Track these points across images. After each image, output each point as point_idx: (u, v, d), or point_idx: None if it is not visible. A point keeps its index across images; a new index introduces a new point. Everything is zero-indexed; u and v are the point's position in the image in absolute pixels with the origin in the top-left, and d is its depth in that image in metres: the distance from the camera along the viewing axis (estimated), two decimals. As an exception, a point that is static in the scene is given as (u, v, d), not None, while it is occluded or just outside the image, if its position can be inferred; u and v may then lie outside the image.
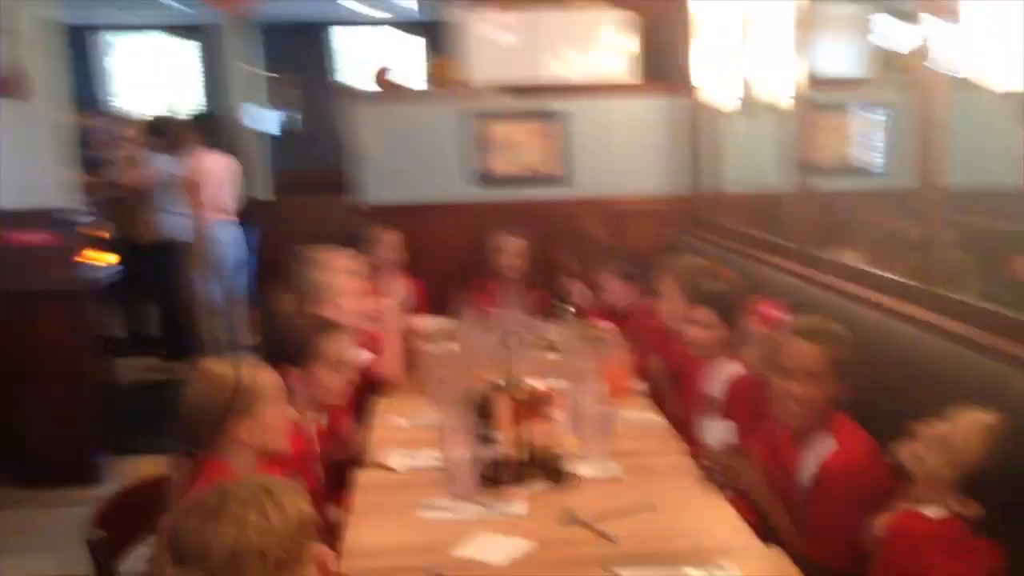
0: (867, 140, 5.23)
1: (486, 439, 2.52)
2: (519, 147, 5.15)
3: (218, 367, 2.24)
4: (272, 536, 1.56)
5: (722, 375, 3.14)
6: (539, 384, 2.55)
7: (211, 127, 6.89)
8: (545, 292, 4.63)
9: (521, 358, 2.97)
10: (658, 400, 3.33)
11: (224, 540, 1.53)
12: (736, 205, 4.88)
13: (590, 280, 4.43)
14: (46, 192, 4.84)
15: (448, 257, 5.12)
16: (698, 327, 3.17)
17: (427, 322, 4.31)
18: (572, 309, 4.25)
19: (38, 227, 4.84)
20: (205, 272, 6.68)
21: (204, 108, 8.83)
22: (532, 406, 2.51)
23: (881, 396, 2.50)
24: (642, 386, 3.41)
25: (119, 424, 5.34)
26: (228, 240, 6.75)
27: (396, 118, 5.15)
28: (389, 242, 4.81)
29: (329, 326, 2.84)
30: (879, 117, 4.93)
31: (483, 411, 2.68)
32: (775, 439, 2.57)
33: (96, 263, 5.47)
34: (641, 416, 3.07)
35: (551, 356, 3.61)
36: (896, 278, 3.00)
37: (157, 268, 6.88)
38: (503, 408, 2.52)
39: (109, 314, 6.72)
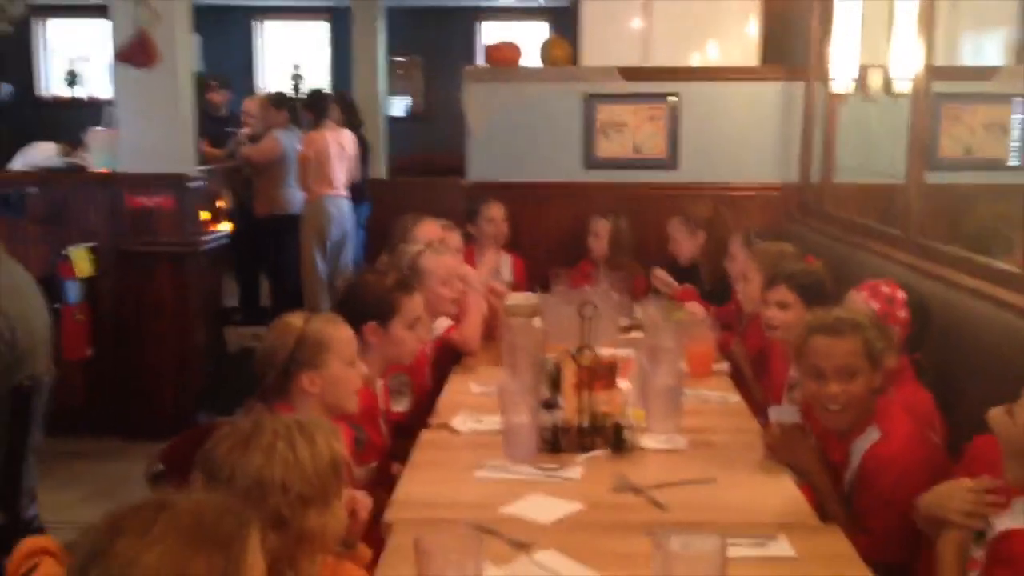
0: (997, 132, 4.98)
1: (548, 404, 2.49)
2: (627, 129, 5.08)
3: (292, 318, 2.28)
4: (297, 470, 1.56)
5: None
6: (608, 353, 2.50)
7: (327, 105, 7.04)
8: (643, 273, 4.56)
9: (597, 330, 2.93)
10: (739, 383, 3.24)
11: (249, 468, 1.54)
12: (846, 194, 4.71)
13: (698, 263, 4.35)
14: (165, 159, 5.04)
15: (550, 236, 5.12)
16: (775, 307, 3.06)
17: (517, 296, 4.30)
18: (668, 291, 4.19)
19: (157, 191, 5.04)
20: (314, 245, 6.84)
21: (321, 87, 9.05)
22: (596, 373, 2.46)
23: (991, 389, 2.35)
24: (725, 367, 3.31)
25: (223, 387, 5.53)
26: (338, 215, 6.90)
27: (507, 97, 5.14)
28: (490, 215, 4.82)
29: (407, 285, 2.85)
30: (1013, 109, 4.68)
31: (552, 377, 2.66)
32: (822, 436, 2.46)
33: (211, 230, 5.67)
34: (718, 395, 2.99)
35: (635, 334, 3.56)
36: (1010, 268, 2.84)
37: (270, 240, 7.10)
38: (567, 374, 2.49)
39: (223, 282, 6.97)
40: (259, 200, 7.14)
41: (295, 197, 7.03)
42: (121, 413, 5.13)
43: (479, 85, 5.14)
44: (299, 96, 8.02)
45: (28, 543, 1.67)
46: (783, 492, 2.23)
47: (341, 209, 6.96)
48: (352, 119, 7.37)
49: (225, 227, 6.44)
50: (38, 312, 2.81)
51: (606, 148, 5.11)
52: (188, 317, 5.19)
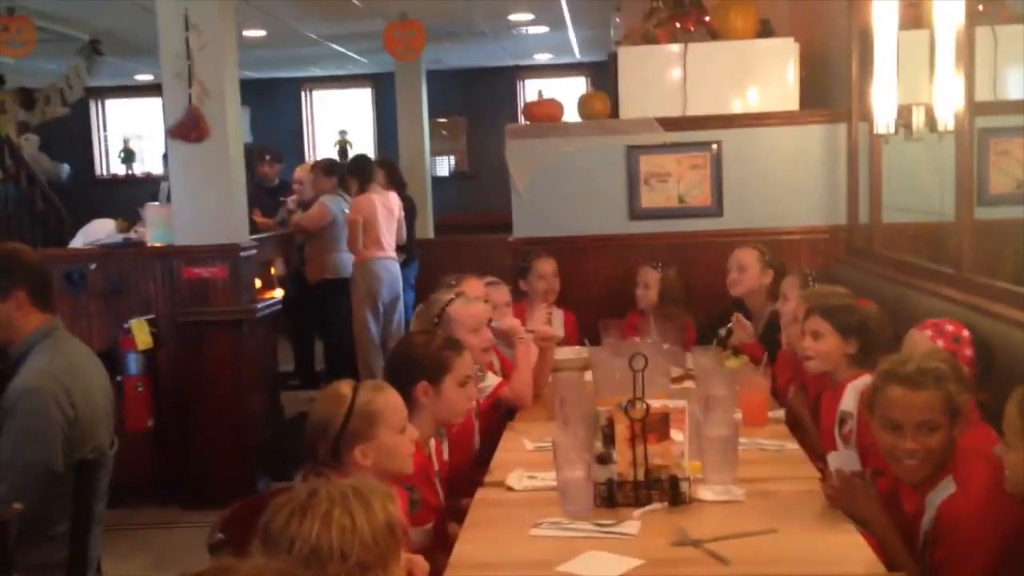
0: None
1: (603, 459, 2.49)
2: (671, 179, 5.10)
3: (341, 387, 2.31)
4: (356, 536, 1.57)
5: (855, 389, 2.99)
6: (660, 405, 2.49)
7: (372, 169, 7.16)
8: (692, 322, 4.54)
9: (650, 382, 2.92)
10: (796, 429, 3.20)
11: (307, 536, 1.55)
12: (894, 234, 4.67)
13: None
14: (219, 230, 5.16)
15: (596, 289, 5.12)
16: (809, 337, 3.04)
17: (566, 351, 4.31)
18: (725, 341, 4.15)
19: (212, 262, 5.16)
20: (366, 307, 6.92)
21: (365, 153, 9.24)
22: (649, 425, 2.45)
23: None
24: (781, 414, 3.28)
25: (281, 453, 5.58)
26: (387, 276, 6.98)
27: (549, 152, 5.19)
28: (541, 271, 4.85)
29: (458, 343, 2.88)
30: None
31: (604, 432, 2.66)
32: (894, 485, 2.41)
33: (264, 297, 5.77)
34: (775, 444, 2.95)
35: (688, 384, 3.54)
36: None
37: (323, 304, 7.20)
38: (620, 427, 2.48)
39: (278, 348, 7.07)
40: (311, 266, 7.27)
41: (346, 261, 7.13)
42: (181, 482, 5.20)
43: (520, 142, 5.20)
44: (340, 161, 8.17)
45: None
46: (847, 542, 2.19)
47: (390, 270, 7.05)
48: (396, 180, 7.49)
49: (278, 293, 6.56)
50: (99, 386, 2.88)
51: (650, 199, 5.12)
52: (244, 384, 5.27)
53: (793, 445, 2.97)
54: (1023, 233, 3.92)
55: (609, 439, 2.51)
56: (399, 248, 7.21)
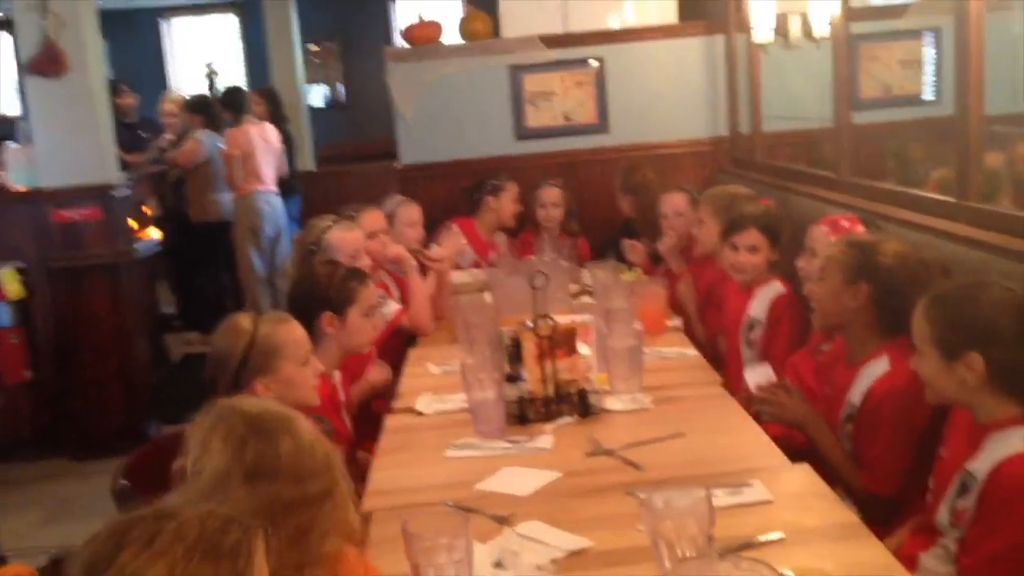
0: (912, 69, 5.07)
1: (511, 378, 2.49)
2: (556, 97, 5.07)
3: (241, 321, 2.25)
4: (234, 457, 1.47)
5: (765, 296, 3.09)
6: (567, 321, 2.50)
7: (245, 101, 6.92)
8: (585, 239, 4.57)
9: (550, 299, 2.93)
10: (688, 326, 3.30)
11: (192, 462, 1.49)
12: (774, 142, 4.77)
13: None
14: (88, 169, 4.91)
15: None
16: (744, 251, 3.11)
17: (462, 275, 4.28)
18: (623, 259, 4.17)
19: (82, 204, 4.91)
20: (249, 244, 6.73)
21: (236, 83, 8.91)
22: (557, 342, 2.46)
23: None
24: (678, 323, 3.34)
25: (169, 396, 5.44)
26: (269, 211, 6.79)
27: (432, 76, 5.08)
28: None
29: (362, 274, 2.83)
30: (924, 45, 4.77)
31: (510, 351, 2.66)
32: (831, 357, 2.51)
33: (141, 238, 5.55)
34: (675, 351, 3.01)
35: (585, 299, 3.57)
36: (938, 197, 2.91)
37: (205, 244, 6.97)
38: (528, 345, 2.48)
39: (158, 290, 6.84)
40: (193, 206, 7.00)
41: (227, 202, 6.90)
42: (69, 434, 5.01)
43: (402, 65, 5.08)
44: (216, 94, 7.84)
45: (6, 571, 1.62)
46: (751, 439, 2.27)
47: (272, 204, 6.85)
48: (277, 114, 7.26)
49: (154, 234, 6.32)
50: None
51: (536, 118, 5.09)
52: (126, 329, 5.08)
53: (692, 351, 3.04)
54: (896, 136, 4.07)
55: (516, 358, 2.51)
56: (281, 182, 7.01)
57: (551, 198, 4.68)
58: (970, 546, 1.79)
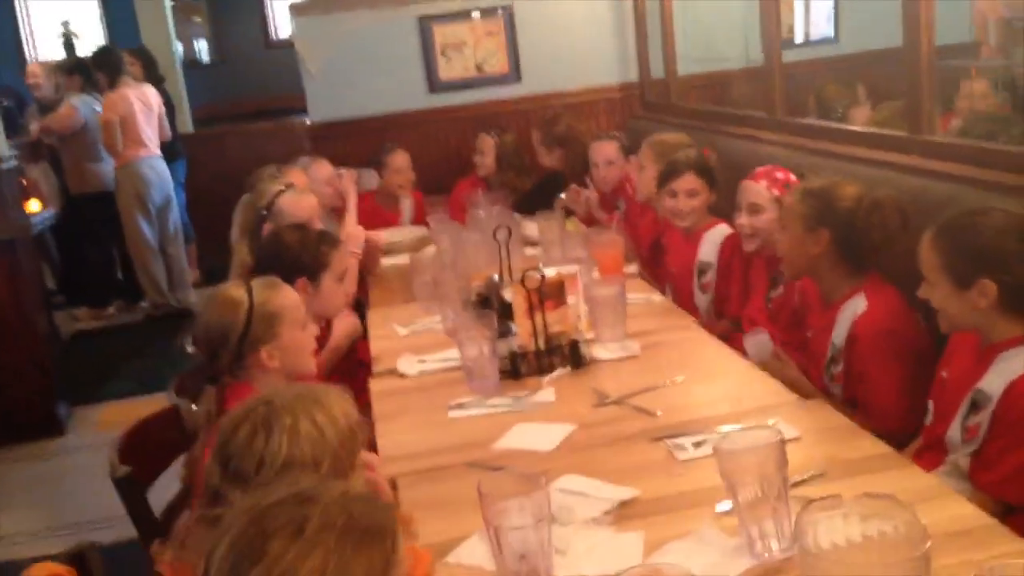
0: (817, 11, 5.22)
1: (502, 333, 2.46)
2: (467, 48, 5.00)
3: (231, 291, 2.15)
4: (325, 445, 1.47)
5: (714, 239, 3.14)
6: (555, 272, 2.48)
7: (120, 61, 6.56)
8: (513, 190, 4.54)
9: (514, 252, 2.91)
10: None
11: (277, 452, 1.44)
12: (690, 86, 4.84)
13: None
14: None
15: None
16: (683, 196, 3.14)
17: (394, 233, 4.21)
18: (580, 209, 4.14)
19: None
20: (137, 213, 6.43)
21: (108, 44, 8.43)
22: (546, 294, 2.44)
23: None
24: (634, 268, 3.37)
25: (70, 376, 5.18)
26: (155, 177, 6.49)
27: (338, 29, 4.92)
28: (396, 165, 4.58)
29: (333, 238, 2.74)
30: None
31: (492, 305, 2.64)
32: (803, 301, 2.57)
33: (29, 212, 5.21)
34: (641, 297, 3.02)
35: (530, 251, 3.55)
36: (888, 132, 3.02)
37: (86, 217, 6.59)
38: (516, 299, 2.46)
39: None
40: (71, 177, 6.61)
41: (107, 171, 6.55)
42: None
43: (306, 19, 4.91)
44: (82, 57, 7.36)
45: (40, 570, 1.51)
46: (754, 379, 2.30)
47: (157, 170, 6.55)
48: (153, 74, 6.90)
49: (35, 207, 5.96)
50: None
51: (448, 70, 5.02)
52: (26, 309, 4.79)
53: (658, 296, 3.07)
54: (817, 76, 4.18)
55: (506, 312, 2.48)
56: (164, 146, 6.69)
57: (481, 146, 4.63)
58: (989, 462, 1.88)
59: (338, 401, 1.55)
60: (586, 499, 1.77)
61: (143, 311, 6.82)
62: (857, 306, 2.35)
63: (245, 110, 9.11)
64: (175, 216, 6.75)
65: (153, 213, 6.51)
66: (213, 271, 7.36)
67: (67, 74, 6.75)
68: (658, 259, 3.57)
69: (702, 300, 3.25)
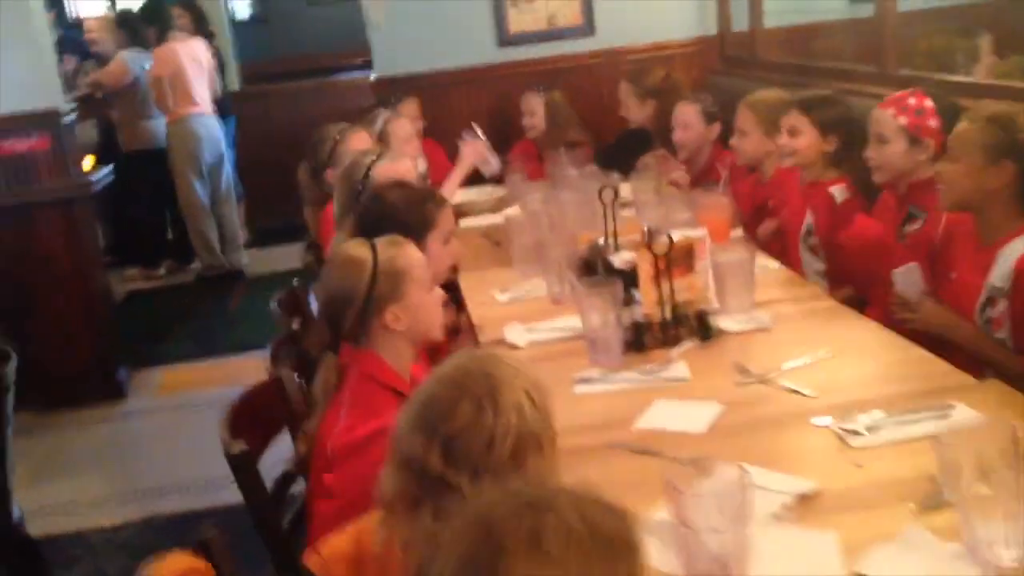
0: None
1: (627, 301, 2.28)
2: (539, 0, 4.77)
3: (354, 250, 1.99)
4: (545, 423, 1.35)
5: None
6: (682, 236, 2.30)
7: (169, 15, 6.39)
8: (590, 146, 4.33)
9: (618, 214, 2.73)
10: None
11: (506, 431, 1.29)
12: (771, 39, 4.60)
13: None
14: (31, 93, 4.40)
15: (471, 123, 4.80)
16: (786, 134, 3.00)
17: (470, 193, 4.04)
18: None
19: (28, 133, 4.42)
20: (189, 171, 6.28)
21: None
22: (674, 259, 2.26)
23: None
24: (740, 233, 3.16)
25: (127, 337, 5.06)
26: (207, 134, 6.33)
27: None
28: (408, 113, 4.45)
29: (439, 196, 2.56)
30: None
31: (597, 271, 2.47)
32: (948, 238, 2.40)
33: (89, 170, 5.06)
34: (758, 264, 2.82)
35: (625, 213, 3.36)
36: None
37: (139, 174, 6.45)
38: (643, 265, 2.27)
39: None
40: (123, 134, 6.48)
41: (159, 129, 6.40)
42: (32, 384, 4.58)
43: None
44: (129, 11, 7.18)
45: (175, 563, 1.37)
46: (910, 356, 2.10)
47: (209, 127, 6.40)
48: (203, 28, 6.72)
49: (94, 164, 5.81)
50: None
51: (519, 22, 4.79)
52: (85, 270, 4.66)
53: (775, 263, 2.86)
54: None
55: (632, 280, 2.30)
56: (215, 102, 6.53)
57: (530, 106, 4.44)
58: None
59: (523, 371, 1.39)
60: (760, 492, 1.60)
61: (194, 271, 6.71)
62: (1021, 245, 2.16)
63: (291, 68, 8.90)
64: (227, 175, 6.61)
65: (205, 172, 6.37)
66: (264, 232, 7.23)
67: (117, 27, 6.60)
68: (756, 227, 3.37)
69: (808, 260, 3.04)
